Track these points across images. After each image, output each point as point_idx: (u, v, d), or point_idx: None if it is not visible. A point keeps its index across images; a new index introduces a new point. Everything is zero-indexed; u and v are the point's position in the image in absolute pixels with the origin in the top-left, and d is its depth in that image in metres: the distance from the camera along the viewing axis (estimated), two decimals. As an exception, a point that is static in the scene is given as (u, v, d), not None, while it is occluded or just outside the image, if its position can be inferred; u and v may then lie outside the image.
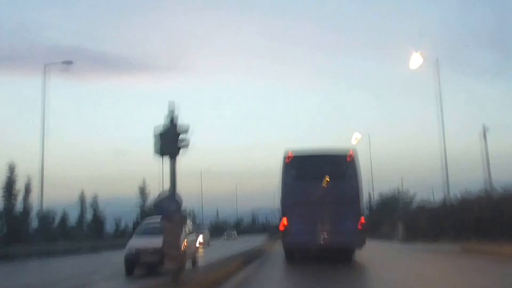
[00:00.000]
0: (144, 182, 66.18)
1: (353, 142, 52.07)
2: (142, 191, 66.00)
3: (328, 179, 17.23)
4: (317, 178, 17.36)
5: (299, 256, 18.33)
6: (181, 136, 10.73)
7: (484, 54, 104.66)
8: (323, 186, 17.10)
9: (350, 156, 17.51)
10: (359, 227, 16.63)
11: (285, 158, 17.57)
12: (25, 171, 47.05)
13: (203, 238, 42.13)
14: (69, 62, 38.80)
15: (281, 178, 17.59)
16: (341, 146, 20.35)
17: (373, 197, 64.38)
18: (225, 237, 79.06)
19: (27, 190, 46.38)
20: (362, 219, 16.86)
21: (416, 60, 31.24)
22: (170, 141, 10.61)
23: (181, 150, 10.72)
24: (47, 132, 37.74)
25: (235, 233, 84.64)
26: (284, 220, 17.04)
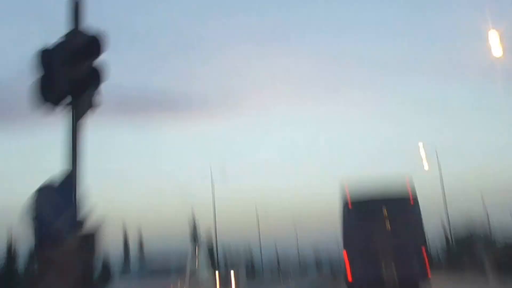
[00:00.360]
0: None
1: (425, 167, 48.54)
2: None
3: (390, 224, 16.73)
4: (379, 222, 16.81)
5: None
6: (92, 65, 5.77)
7: None
8: (386, 231, 16.60)
9: (413, 200, 17.02)
10: (427, 273, 16.08)
11: (344, 202, 17.23)
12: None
13: (235, 278, 40.30)
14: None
15: (341, 222, 17.30)
16: (404, 172, 19.88)
17: (449, 228, 53.59)
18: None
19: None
20: (425, 258, 16.31)
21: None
22: (68, 73, 5.59)
23: (92, 96, 5.72)
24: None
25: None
26: (348, 268, 16.52)
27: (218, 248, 76.06)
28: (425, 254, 16.40)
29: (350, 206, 17.07)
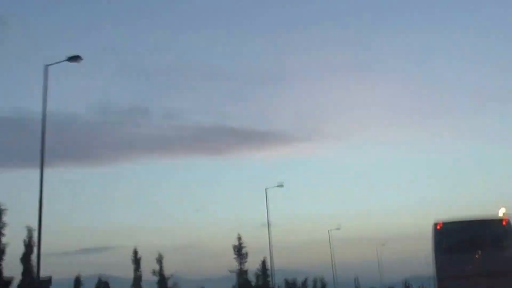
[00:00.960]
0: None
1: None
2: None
3: (484, 249, 16.44)
4: (472, 247, 16.72)
5: None
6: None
7: None
8: (479, 256, 16.33)
9: (506, 221, 16.69)
10: None
11: (435, 226, 17.14)
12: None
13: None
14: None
15: (433, 249, 17.12)
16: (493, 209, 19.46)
17: None
18: None
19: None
20: None
21: None
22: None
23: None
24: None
25: None
26: None
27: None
28: None
29: (439, 230, 16.97)
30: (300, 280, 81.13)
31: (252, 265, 60.20)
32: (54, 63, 21.60)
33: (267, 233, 43.83)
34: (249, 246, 58.28)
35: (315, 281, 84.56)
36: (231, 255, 57.74)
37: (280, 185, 44.81)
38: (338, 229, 65.36)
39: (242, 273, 57.68)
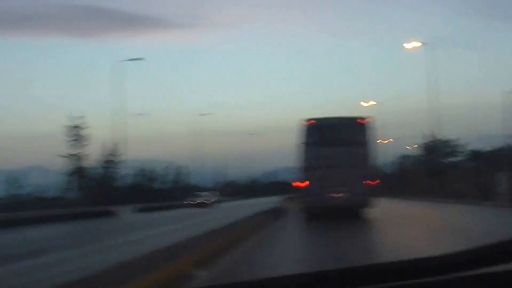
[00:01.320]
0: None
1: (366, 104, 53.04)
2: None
3: (345, 144, 18.53)
4: (334, 142, 18.66)
5: (317, 214, 19.37)
6: None
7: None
8: (340, 150, 18.38)
9: (365, 121, 18.86)
10: (370, 189, 18.15)
11: (304, 124, 18.95)
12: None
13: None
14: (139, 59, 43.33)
15: (300, 142, 19.01)
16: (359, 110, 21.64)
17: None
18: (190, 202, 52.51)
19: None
20: (374, 182, 18.37)
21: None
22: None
23: None
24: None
25: (212, 197, 57.03)
26: (303, 184, 18.57)
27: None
28: (374, 183, 18.38)
29: (307, 126, 18.84)
30: (159, 169, 78.32)
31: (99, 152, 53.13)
32: None
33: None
34: (103, 133, 53.79)
35: (177, 170, 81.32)
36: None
37: (139, 59, 44.86)
38: (209, 114, 66.14)
39: (77, 158, 48.07)
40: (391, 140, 63.06)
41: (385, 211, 21.25)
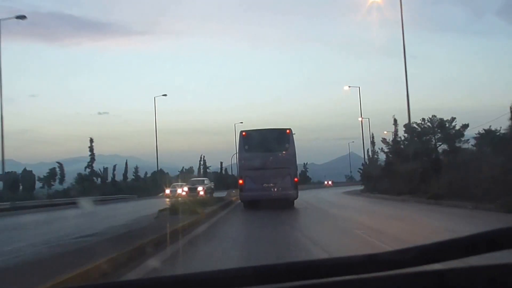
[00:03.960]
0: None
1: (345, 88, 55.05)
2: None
3: (272, 150, 23.74)
4: (264, 149, 23.68)
5: (254, 205, 23.93)
6: None
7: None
8: (269, 155, 23.49)
9: (289, 131, 24.01)
10: (294, 185, 23.31)
11: (241, 134, 24.08)
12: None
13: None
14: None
15: (238, 150, 24.24)
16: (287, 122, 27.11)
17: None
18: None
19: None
20: (296, 179, 23.56)
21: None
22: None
23: None
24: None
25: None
26: (241, 181, 23.57)
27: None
28: (296, 180, 23.61)
29: (243, 136, 23.95)
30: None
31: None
32: None
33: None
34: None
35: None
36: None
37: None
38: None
39: None
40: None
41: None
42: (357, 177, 78.02)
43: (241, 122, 74.66)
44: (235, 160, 63.93)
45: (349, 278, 1.10)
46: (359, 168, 64.59)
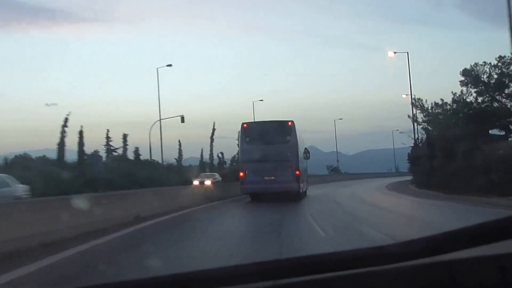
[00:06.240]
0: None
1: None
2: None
3: (274, 142, 23.65)
4: (265, 141, 23.56)
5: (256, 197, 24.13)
6: None
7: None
8: (270, 148, 23.41)
9: (291, 124, 23.89)
10: (295, 178, 23.11)
11: (242, 126, 23.94)
12: None
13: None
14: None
15: (240, 142, 24.16)
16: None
17: None
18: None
19: None
20: (297, 172, 23.36)
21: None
22: None
23: None
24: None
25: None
26: (241, 174, 23.48)
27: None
28: (297, 173, 23.25)
29: (244, 129, 23.85)
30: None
31: None
32: None
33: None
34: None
35: None
36: None
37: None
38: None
39: None
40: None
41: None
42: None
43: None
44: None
45: (356, 271, 1.09)
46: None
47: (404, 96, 49.14)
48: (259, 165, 23.02)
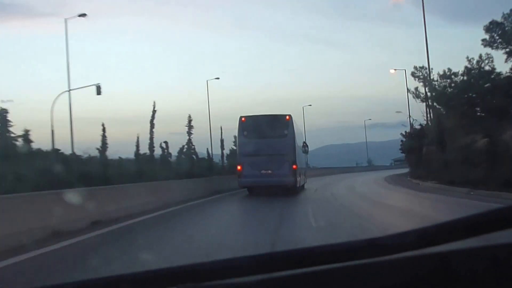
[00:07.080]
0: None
1: None
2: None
3: (272, 136, 23.66)
4: (263, 135, 23.62)
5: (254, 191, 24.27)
6: None
7: None
8: (267, 141, 23.42)
9: (288, 118, 23.87)
10: (292, 171, 23.19)
11: (240, 120, 23.88)
12: None
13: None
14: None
15: (238, 135, 24.20)
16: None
17: None
18: None
19: None
20: (294, 166, 23.40)
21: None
22: None
23: None
24: None
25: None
26: (239, 167, 23.49)
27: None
28: (294, 167, 23.33)
29: (242, 122, 23.77)
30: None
31: None
32: None
33: None
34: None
35: None
36: None
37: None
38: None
39: None
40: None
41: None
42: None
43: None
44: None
45: (349, 264, 1.08)
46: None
47: (392, 71, 46.68)
48: (256, 158, 23.05)
